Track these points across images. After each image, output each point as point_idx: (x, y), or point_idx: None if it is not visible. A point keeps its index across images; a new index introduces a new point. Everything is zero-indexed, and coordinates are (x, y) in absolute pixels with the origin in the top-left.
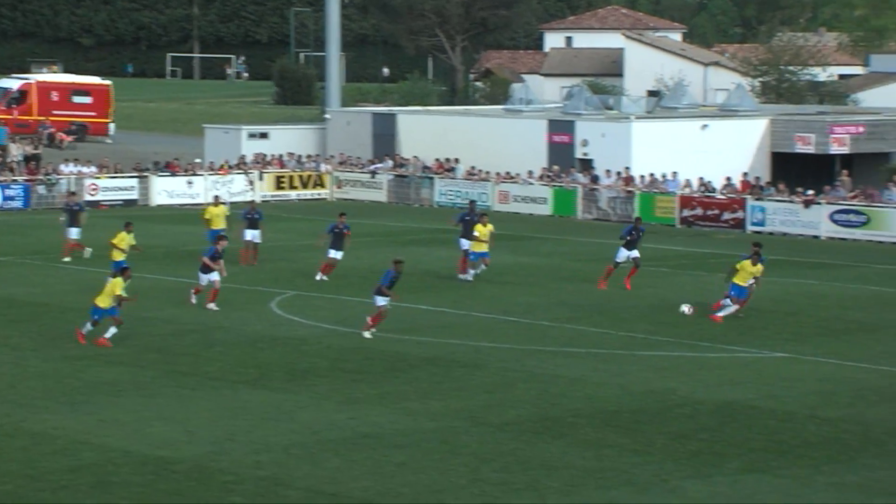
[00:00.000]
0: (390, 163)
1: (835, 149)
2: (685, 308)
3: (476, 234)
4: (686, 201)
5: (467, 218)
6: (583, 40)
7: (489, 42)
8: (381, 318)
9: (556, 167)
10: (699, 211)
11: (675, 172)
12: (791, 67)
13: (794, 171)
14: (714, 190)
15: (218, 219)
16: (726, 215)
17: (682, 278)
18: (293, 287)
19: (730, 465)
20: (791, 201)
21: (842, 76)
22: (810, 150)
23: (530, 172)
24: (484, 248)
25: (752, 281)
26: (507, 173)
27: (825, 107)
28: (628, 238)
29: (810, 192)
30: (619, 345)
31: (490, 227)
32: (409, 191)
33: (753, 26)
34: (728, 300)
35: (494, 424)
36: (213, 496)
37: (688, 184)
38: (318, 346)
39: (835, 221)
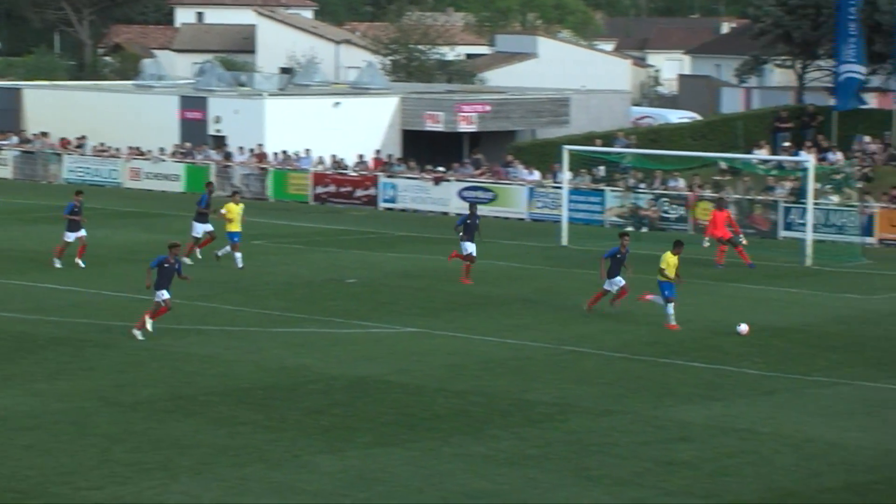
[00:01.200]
0: (15, 139)
1: (463, 127)
2: (742, 328)
3: (223, 211)
4: (319, 178)
5: (202, 205)
6: (214, 16)
7: (118, 16)
8: (162, 312)
9: (188, 144)
10: (332, 188)
11: (308, 149)
12: (420, 46)
13: (424, 149)
14: (347, 167)
15: None
16: (359, 192)
17: (316, 255)
18: None
19: (361, 440)
20: (422, 178)
21: (469, 56)
22: (440, 127)
23: (162, 149)
24: (237, 227)
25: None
26: (139, 150)
27: (453, 85)
28: (463, 228)
29: (440, 169)
30: (253, 322)
31: (241, 205)
32: (37, 167)
33: (383, 5)
34: (668, 303)
35: (126, 404)
36: None
37: (321, 161)
38: None
39: (464, 198)
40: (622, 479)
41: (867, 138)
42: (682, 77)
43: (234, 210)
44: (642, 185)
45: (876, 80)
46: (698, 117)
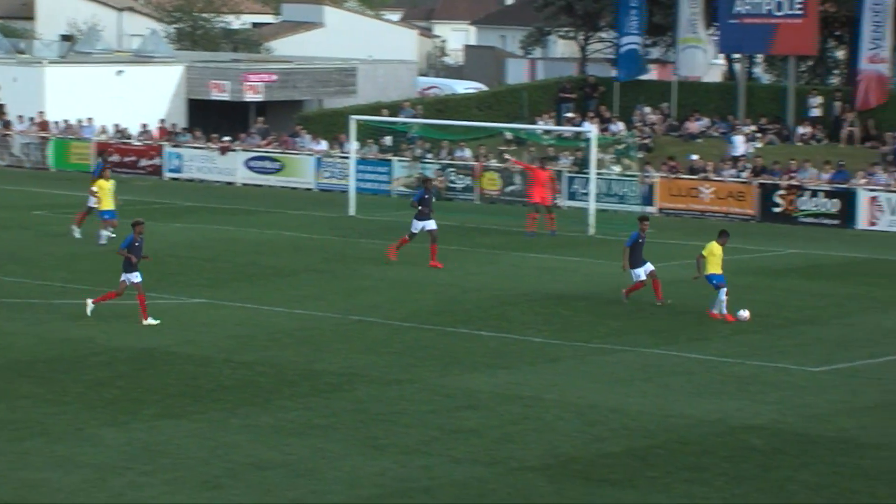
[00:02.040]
0: None
1: (249, 96)
2: (743, 314)
3: (94, 189)
4: (103, 147)
5: (96, 175)
6: None
7: None
8: (119, 295)
9: None
10: (116, 157)
11: (90, 118)
12: (205, 15)
13: (210, 118)
14: (131, 136)
15: None
16: (143, 162)
17: (99, 225)
18: None
19: (147, 412)
20: (208, 148)
21: (255, 24)
22: (226, 97)
23: None
24: (109, 205)
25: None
26: None
27: (239, 54)
28: (420, 203)
29: (226, 138)
30: (34, 294)
31: (112, 181)
32: None
33: None
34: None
35: None
36: None
37: (104, 130)
38: None
39: (250, 168)
40: (409, 447)
41: (648, 109)
42: (468, 48)
43: (105, 186)
44: (429, 155)
45: (655, 52)
46: (484, 88)
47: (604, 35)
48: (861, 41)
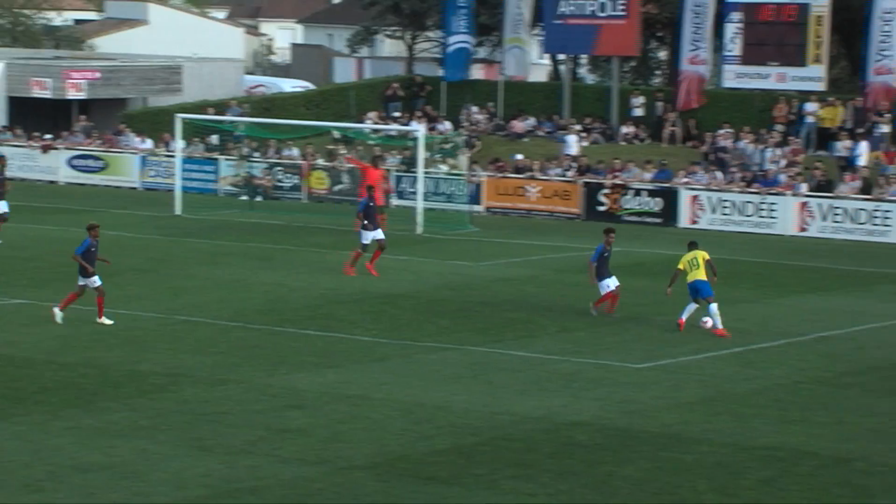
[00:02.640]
0: None
1: (72, 94)
2: (707, 322)
3: None
4: None
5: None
6: None
7: None
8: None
9: None
10: None
11: None
12: (25, 11)
13: (32, 116)
14: None
15: None
16: None
17: None
18: None
19: None
20: (29, 146)
21: (77, 21)
22: (48, 94)
23: None
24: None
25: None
26: None
27: (61, 52)
28: (365, 215)
29: (48, 136)
30: None
31: None
32: None
33: None
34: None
35: None
36: None
37: None
38: None
39: (73, 167)
40: (236, 447)
41: (475, 108)
42: (295, 46)
43: None
44: (256, 154)
45: (482, 52)
46: (312, 86)
47: (431, 34)
48: (682, 43)
